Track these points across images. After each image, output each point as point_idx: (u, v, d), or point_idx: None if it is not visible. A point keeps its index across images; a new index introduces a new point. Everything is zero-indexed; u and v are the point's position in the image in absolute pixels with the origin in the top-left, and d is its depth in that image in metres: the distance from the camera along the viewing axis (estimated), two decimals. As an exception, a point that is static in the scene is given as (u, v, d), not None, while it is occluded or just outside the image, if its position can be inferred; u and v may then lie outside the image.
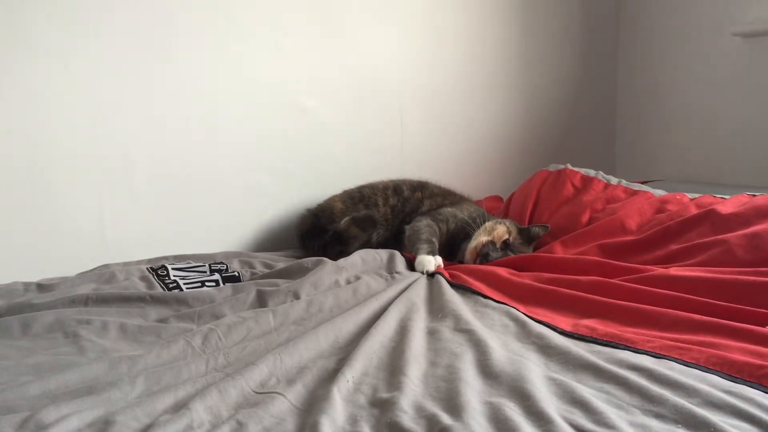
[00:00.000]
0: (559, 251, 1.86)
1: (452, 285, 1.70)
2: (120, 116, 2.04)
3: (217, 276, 1.87)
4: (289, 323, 1.52)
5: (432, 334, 1.41)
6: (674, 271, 1.53)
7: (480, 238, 1.95)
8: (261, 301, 1.66)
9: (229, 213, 2.26)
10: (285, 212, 2.36)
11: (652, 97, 2.82)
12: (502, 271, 1.74)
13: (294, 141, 2.36)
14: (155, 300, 1.68)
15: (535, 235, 2.00)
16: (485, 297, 1.60)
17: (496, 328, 1.42)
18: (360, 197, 2.22)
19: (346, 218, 2.07)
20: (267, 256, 2.10)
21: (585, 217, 1.99)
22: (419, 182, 2.30)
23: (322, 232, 2.15)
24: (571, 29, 2.94)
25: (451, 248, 2.01)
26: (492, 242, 1.93)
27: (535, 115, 2.87)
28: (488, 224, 1.98)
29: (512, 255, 1.92)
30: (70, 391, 1.17)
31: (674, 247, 1.68)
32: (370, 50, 2.50)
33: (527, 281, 1.65)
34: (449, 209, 2.13)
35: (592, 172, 2.18)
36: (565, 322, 1.42)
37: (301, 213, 2.29)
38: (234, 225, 2.28)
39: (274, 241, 2.34)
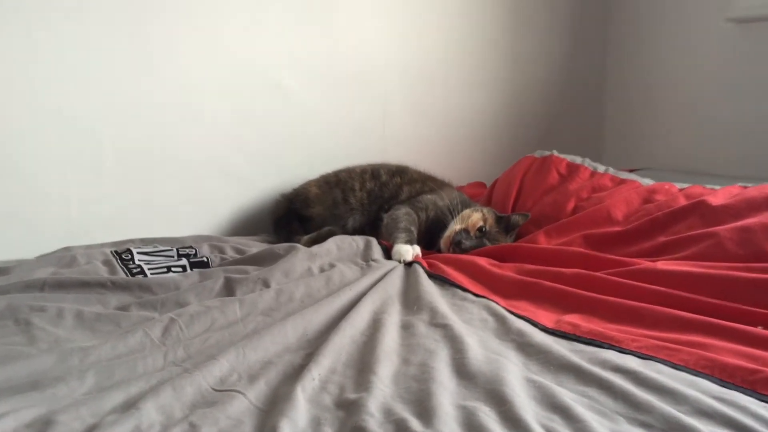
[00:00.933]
0: (542, 241, 1.79)
1: (430, 275, 1.62)
2: (86, 93, 1.93)
3: (184, 261, 1.78)
4: (257, 313, 1.44)
5: (406, 328, 1.34)
6: (662, 264, 1.46)
7: (454, 226, 1.87)
8: (229, 289, 1.58)
9: (201, 195, 2.17)
10: (261, 196, 2.27)
11: (642, 83, 2.74)
12: (483, 262, 1.66)
13: (272, 122, 2.26)
14: (116, 286, 1.59)
15: (514, 224, 1.92)
16: (464, 289, 1.53)
17: (474, 323, 1.34)
18: (336, 181, 2.14)
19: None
20: (239, 241, 2.01)
21: (570, 206, 1.91)
22: (398, 167, 2.22)
23: (296, 218, 2.07)
24: (559, 13, 2.85)
25: (431, 237, 1.93)
26: (465, 230, 1.86)
27: (522, 100, 2.79)
28: (465, 212, 1.91)
29: (489, 244, 1.84)
30: (13, 386, 1.08)
31: (662, 239, 1.61)
32: (355, 31, 2.40)
33: (508, 273, 1.58)
34: (429, 196, 2.05)
35: (578, 159, 2.10)
36: (547, 318, 1.34)
37: (276, 198, 2.19)
38: (207, 208, 2.19)
39: (248, 225, 2.25)
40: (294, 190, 2.19)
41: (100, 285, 1.59)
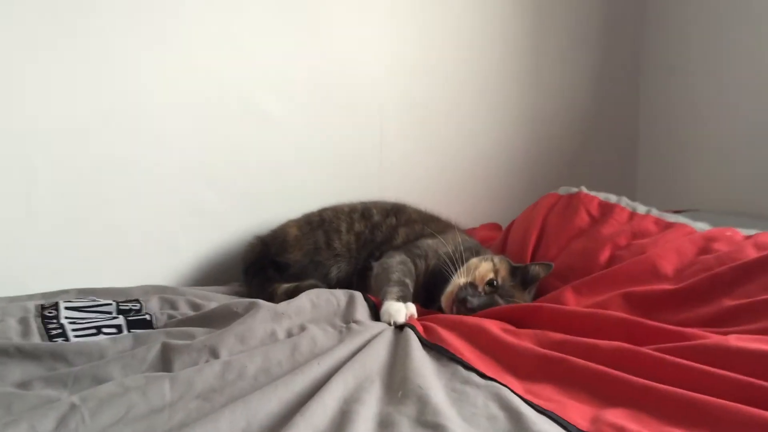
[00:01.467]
0: (569, 300, 1.42)
1: (425, 344, 1.26)
2: (19, 111, 1.63)
3: (120, 320, 1.44)
4: (192, 396, 1.10)
5: (384, 428, 0.97)
6: (735, 340, 1.08)
7: (458, 279, 1.52)
8: (165, 360, 1.24)
9: (161, 236, 1.84)
10: (233, 237, 1.93)
11: (683, 110, 2.37)
12: (494, 327, 1.30)
13: (248, 151, 1.94)
14: (23, 354, 1.25)
15: (533, 277, 1.56)
16: (468, 367, 1.16)
17: (478, 423, 0.97)
18: (319, 222, 1.80)
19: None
20: (199, 293, 1.65)
21: (604, 256, 1.55)
22: (394, 205, 1.88)
23: (271, 265, 1.72)
24: (589, 30, 2.49)
25: (430, 292, 1.58)
26: (472, 284, 1.51)
27: (543, 130, 2.43)
28: (471, 261, 1.56)
29: (502, 302, 1.50)
30: None
31: (728, 302, 1.23)
32: (345, 47, 2.07)
33: (527, 344, 1.21)
34: (429, 241, 1.70)
35: (613, 198, 1.74)
36: (581, 414, 0.98)
37: (249, 241, 1.85)
38: (167, 251, 1.85)
39: (217, 272, 1.91)
40: (271, 231, 1.86)
41: (2, 352, 1.24)
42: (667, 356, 1.08)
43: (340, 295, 1.50)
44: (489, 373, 1.13)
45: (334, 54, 2.03)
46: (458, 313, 1.47)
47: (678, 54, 2.42)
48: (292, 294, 1.53)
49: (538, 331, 1.26)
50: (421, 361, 1.17)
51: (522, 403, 1.01)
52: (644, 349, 1.11)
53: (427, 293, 1.57)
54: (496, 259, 1.58)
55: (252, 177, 1.94)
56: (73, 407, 1.03)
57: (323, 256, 1.75)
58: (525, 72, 2.37)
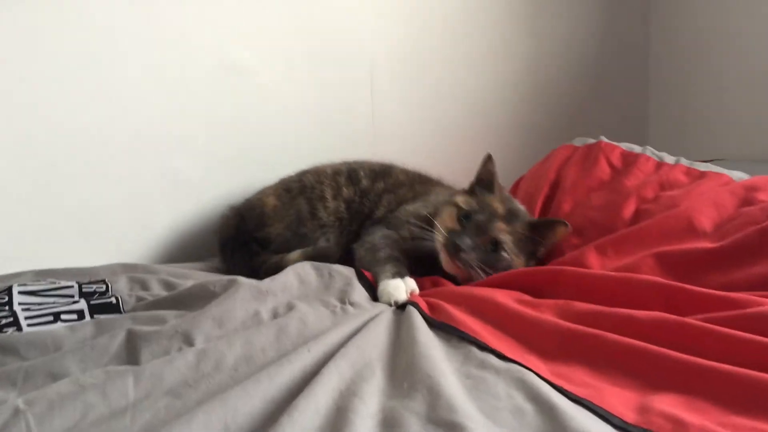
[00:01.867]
0: (592, 263, 1.24)
1: (431, 323, 1.08)
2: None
3: (82, 304, 1.26)
4: (160, 394, 0.93)
5: (389, 428, 0.80)
6: (801, 306, 0.91)
7: (437, 235, 1.37)
8: (131, 349, 1.07)
9: (131, 210, 1.66)
10: (210, 208, 1.75)
11: (695, 55, 2.17)
12: (508, 299, 1.13)
13: (225, 112, 1.75)
14: (-34, 349, 1.07)
15: (542, 230, 1.38)
16: (483, 347, 0.99)
17: (503, 419, 0.80)
18: (300, 188, 1.61)
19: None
20: (174, 271, 1.48)
21: (629, 210, 1.37)
22: (382, 166, 1.69)
23: (250, 241, 1.55)
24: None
25: (420, 261, 1.40)
26: (453, 231, 1.35)
27: (547, 80, 2.23)
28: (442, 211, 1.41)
29: (509, 259, 1.32)
30: None
31: (783, 260, 1.06)
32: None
33: (548, 317, 1.04)
34: (409, 207, 1.52)
35: (637, 148, 1.55)
36: (623, 403, 0.81)
37: (223, 212, 1.67)
38: (138, 226, 1.68)
39: (194, 246, 1.74)
40: (246, 201, 1.67)
41: (-58, 348, 1.07)
42: (718, 328, 0.91)
43: (333, 269, 1.33)
44: (508, 354, 0.96)
45: (321, 5, 1.82)
46: (465, 266, 1.31)
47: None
48: (276, 269, 1.35)
49: (560, 301, 1.10)
50: (429, 344, 1.00)
51: (551, 390, 0.84)
52: (690, 320, 0.94)
53: (418, 263, 1.39)
54: (459, 197, 1.41)
55: (229, 141, 1.75)
56: (16, 413, 0.86)
57: (308, 227, 1.57)
58: (527, 18, 2.17)
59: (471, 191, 1.42)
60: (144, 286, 1.37)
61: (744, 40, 2.07)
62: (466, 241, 1.31)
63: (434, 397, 0.84)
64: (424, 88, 2.01)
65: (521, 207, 1.44)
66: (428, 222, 1.39)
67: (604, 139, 1.60)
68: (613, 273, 1.12)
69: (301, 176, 1.64)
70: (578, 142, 1.66)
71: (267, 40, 1.76)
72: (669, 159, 1.50)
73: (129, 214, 1.64)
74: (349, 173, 1.63)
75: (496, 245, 1.33)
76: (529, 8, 2.16)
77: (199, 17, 1.67)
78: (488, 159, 1.42)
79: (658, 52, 2.32)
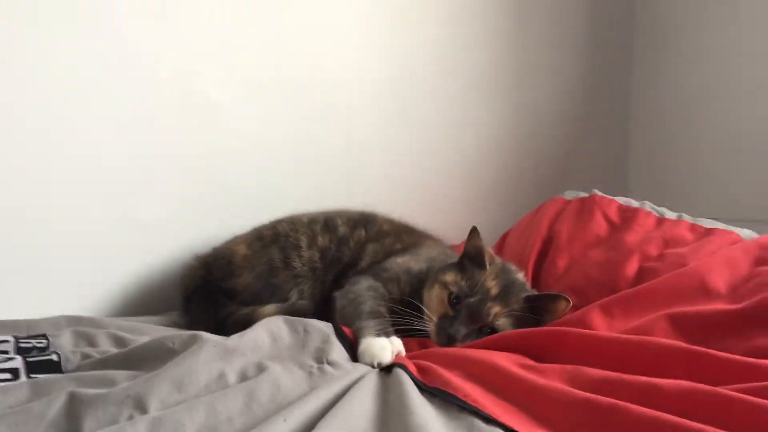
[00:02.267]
0: (598, 324, 1.13)
1: (424, 389, 0.95)
2: None
3: (17, 362, 1.09)
4: None
5: None
6: None
7: (429, 314, 1.25)
8: (72, 416, 0.92)
9: (80, 255, 1.49)
10: (172, 256, 1.60)
11: (678, 107, 2.14)
12: (509, 363, 1.00)
13: (191, 151, 1.62)
14: None
15: (549, 310, 1.24)
16: (489, 419, 0.85)
17: None
18: (273, 237, 1.48)
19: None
20: (126, 325, 1.32)
21: (631, 268, 1.28)
22: (363, 214, 1.57)
23: (216, 293, 1.41)
24: (578, 25, 2.25)
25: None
26: (447, 316, 1.23)
27: (529, 131, 2.16)
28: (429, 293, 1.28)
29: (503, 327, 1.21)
30: None
31: (810, 325, 0.96)
32: (312, 36, 1.77)
33: (557, 384, 0.92)
34: (399, 260, 1.40)
35: (634, 202, 1.47)
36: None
37: (188, 262, 1.52)
38: (87, 274, 1.50)
39: (152, 298, 1.58)
40: (213, 249, 1.53)
41: None
42: (756, 399, 0.80)
43: (308, 324, 1.18)
44: (518, 428, 0.83)
45: (301, 44, 1.73)
46: (450, 346, 1.18)
47: (669, 50, 2.20)
48: (246, 323, 1.20)
49: (568, 367, 0.97)
50: (425, 415, 0.86)
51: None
52: (723, 390, 0.83)
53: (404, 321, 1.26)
54: (448, 275, 1.27)
55: (195, 182, 1.61)
56: None
57: (280, 278, 1.43)
58: (511, 68, 2.10)
59: (460, 266, 1.29)
60: (91, 342, 1.20)
61: (723, 99, 2.05)
62: (460, 330, 1.20)
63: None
64: (407, 134, 1.91)
65: (518, 276, 1.32)
66: (419, 282, 1.28)
67: (598, 192, 1.52)
68: (626, 336, 1.01)
69: (275, 224, 1.52)
70: (569, 195, 1.58)
71: (239, 75, 1.65)
72: (670, 214, 1.42)
73: (79, 261, 1.48)
74: (326, 221, 1.51)
75: (491, 331, 1.21)
76: (516, 59, 2.10)
77: (169, 48, 1.55)
78: (474, 232, 1.29)
79: (640, 107, 2.29)
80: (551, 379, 0.95)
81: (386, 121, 1.88)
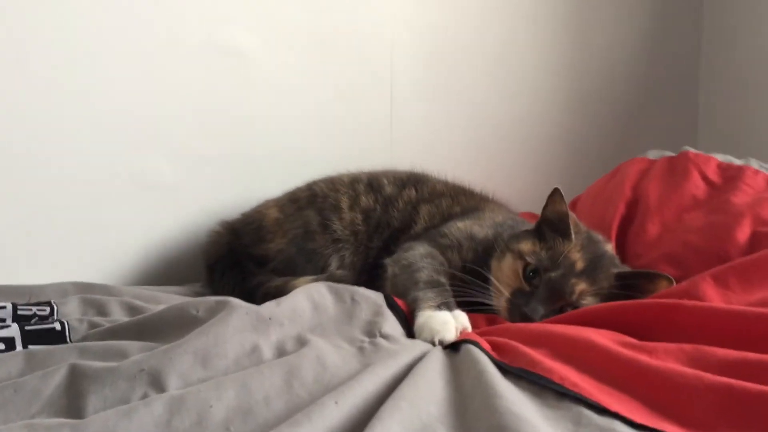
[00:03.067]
0: (711, 296, 0.92)
1: (506, 371, 0.76)
2: None
3: (13, 330, 0.92)
4: None
5: None
6: None
7: (499, 289, 1.06)
8: (74, 394, 0.76)
9: (94, 220, 1.33)
10: (194, 221, 1.43)
11: (752, 58, 1.90)
12: (606, 340, 0.81)
13: (214, 104, 1.45)
14: None
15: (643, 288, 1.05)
16: (600, 410, 0.67)
17: None
18: (310, 198, 1.31)
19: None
20: (143, 293, 1.16)
21: (743, 233, 1.08)
22: (412, 174, 1.39)
23: (244, 260, 1.25)
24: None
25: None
26: (521, 291, 1.04)
27: (589, 90, 1.93)
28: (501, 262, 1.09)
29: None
30: None
31: None
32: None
33: (673, 366, 0.73)
34: (460, 223, 1.20)
35: (735, 159, 1.27)
36: None
37: (212, 229, 1.35)
38: (101, 240, 1.34)
39: (171, 268, 1.41)
40: (242, 215, 1.36)
41: None
42: None
43: (356, 293, 1.00)
44: (639, 420, 0.64)
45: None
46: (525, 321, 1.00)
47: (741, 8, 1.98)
48: (277, 295, 1.02)
49: (685, 346, 0.78)
50: (516, 400, 0.68)
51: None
52: None
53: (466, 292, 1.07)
54: (524, 244, 1.08)
55: (220, 141, 1.44)
56: None
57: (318, 243, 1.25)
58: (572, 22, 1.89)
59: (538, 234, 1.10)
60: (101, 311, 1.04)
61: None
62: (538, 309, 1.01)
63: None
64: (452, 94, 1.72)
65: (607, 248, 1.12)
66: (484, 251, 1.10)
67: (690, 149, 1.32)
68: (760, 309, 0.81)
69: (312, 185, 1.35)
70: (653, 154, 1.38)
71: (268, 20, 1.47)
72: (781, 173, 1.21)
73: (91, 224, 1.31)
74: (370, 180, 1.33)
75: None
76: (575, 12, 1.88)
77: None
78: (556, 195, 1.09)
79: (710, 60, 2.06)
80: (664, 359, 0.76)
81: (430, 71, 1.68)
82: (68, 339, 0.93)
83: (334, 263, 1.23)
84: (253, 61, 1.45)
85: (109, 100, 1.31)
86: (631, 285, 1.03)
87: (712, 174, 1.23)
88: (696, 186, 1.21)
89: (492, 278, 1.06)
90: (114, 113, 1.32)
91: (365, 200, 1.29)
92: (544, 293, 1.02)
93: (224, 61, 1.42)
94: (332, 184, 1.33)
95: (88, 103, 1.29)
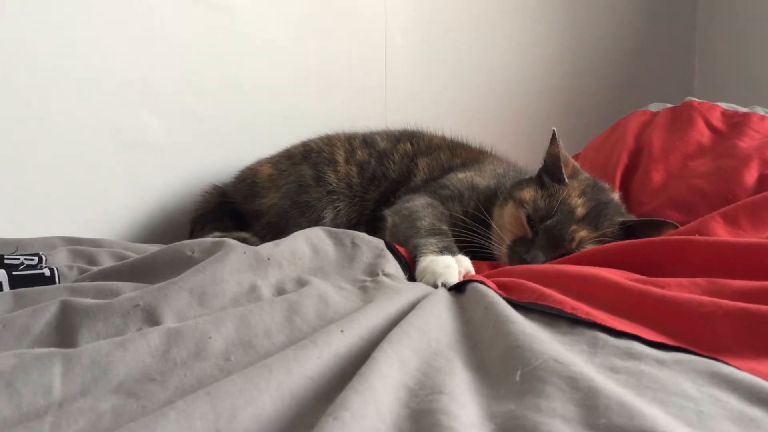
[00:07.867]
0: (721, 234, 0.90)
1: (517, 306, 0.73)
2: None
3: (0, 275, 0.87)
4: (105, 391, 0.59)
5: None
6: None
7: (503, 223, 1.04)
8: (65, 329, 0.72)
9: (82, 179, 1.29)
10: (183, 181, 1.39)
11: (747, 22, 1.88)
12: (618, 277, 0.78)
13: (206, 61, 1.40)
14: None
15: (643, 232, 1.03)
16: (616, 333, 0.64)
17: (722, 428, 0.45)
18: (304, 154, 1.28)
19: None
20: (129, 246, 1.11)
21: (751, 176, 1.07)
22: (405, 130, 1.36)
23: (233, 216, 1.23)
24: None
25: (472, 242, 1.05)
26: (523, 239, 1.02)
27: (585, 47, 1.90)
28: (503, 211, 1.06)
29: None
30: None
31: None
32: None
33: (703, 298, 0.70)
34: (461, 174, 1.18)
35: (740, 107, 1.25)
36: None
37: (204, 189, 1.32)
38: (89, 200, 1.30)
39: (160, 227, 1.36)
40: (235, 176, 1.34)
41: None
42: None
43: (357, 237, 0.97)
44: (665, 341, 0.62)
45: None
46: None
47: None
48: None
49: (698, 280, 0.75)
50: (529, 325, 0.65)
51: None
52: None
53: (470, 245, 1.04)
54: (525, 191, 1.05)
55: (211, 97, 1.40)
56: None
57: (312, 195, 1.23)
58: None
59: (540, 181, 1.07)
60: (91, 261, 1.00)
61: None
62: (538, 257, 0.98)
63: (585, 394, 0.48)
64: (449, 47, 1.68)
65: (613, 197, 1.10)
66: (486, 201, 1.07)
67: (694, 99, 1.29)
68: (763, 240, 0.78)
69: (306, 142, 1.32)
70: (654, 107, 1.36)
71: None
72: (788, 119, 1.19)
73: (79, 184, 1.27)
74: (365, 137, 1.31)
75: None
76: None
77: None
78: (553, 138, 1.07)
79: (707, 22, 2.03)
80: (676, 288, 0.73)
81: (423, 42, 1.65)
82: (56, 282, 0.89)
83: (328, 216, 1.20)
84: (242, 16, 1.41)
85: (94, 54, 1.26)
86: (636, 234, 1.01)
87: (717, 121, 1.21)
88: (701, 133, 1.19)
89: (494, 226, 1.04)
90: (98, 66, 1.27)
91: (360, 154, 1.27)
92: (543, 240, 0.99)
93: (212, 15, 1.38)
94: (328, 139, 1.31)
95: (73, 57, 1.24)
